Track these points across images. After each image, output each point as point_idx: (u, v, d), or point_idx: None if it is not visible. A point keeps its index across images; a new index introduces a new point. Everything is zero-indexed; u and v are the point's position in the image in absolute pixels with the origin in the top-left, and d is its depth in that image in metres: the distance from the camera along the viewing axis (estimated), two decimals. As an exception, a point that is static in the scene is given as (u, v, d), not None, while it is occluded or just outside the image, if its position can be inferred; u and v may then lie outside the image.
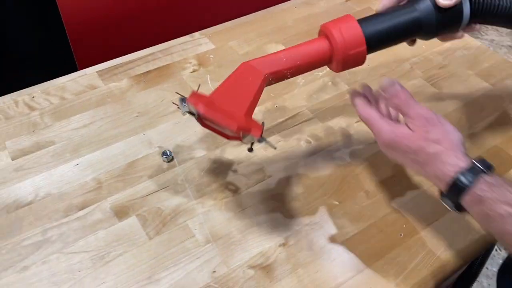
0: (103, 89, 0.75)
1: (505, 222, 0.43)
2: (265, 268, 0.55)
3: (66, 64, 0.88)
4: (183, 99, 0.53)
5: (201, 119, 0.54)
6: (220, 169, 0.65)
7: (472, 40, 0.88)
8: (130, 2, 0.91)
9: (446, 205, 0.50)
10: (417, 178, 0.64)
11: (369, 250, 0.57)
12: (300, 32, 0.88)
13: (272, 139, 0.69)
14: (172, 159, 0.65)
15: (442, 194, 0.49)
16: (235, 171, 0.64)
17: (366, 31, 0.52)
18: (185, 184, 0.62)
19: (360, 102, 0.55)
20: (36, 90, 0.74)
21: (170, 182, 0.62)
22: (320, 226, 0.59)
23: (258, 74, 0.51)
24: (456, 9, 0.53)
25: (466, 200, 0.46)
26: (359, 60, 0.53)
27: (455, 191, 0.47)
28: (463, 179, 0.46)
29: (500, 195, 0.44)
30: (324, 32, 0.53)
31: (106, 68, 0.79)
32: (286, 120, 0.72)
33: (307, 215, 0.60)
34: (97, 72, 0.78)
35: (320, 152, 0.68)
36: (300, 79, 0.79)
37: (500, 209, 0.43)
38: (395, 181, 0.64)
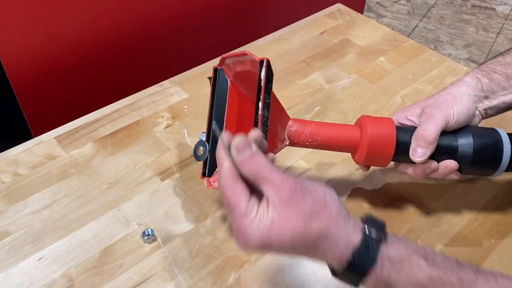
0: (65, 158, 0.64)
1: None
2: None
3: (17, 131, 0.77)
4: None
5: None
6: (214, 244, 0.55)
7: (457, 64, 0.84)
8: (85, 51, 0.82)
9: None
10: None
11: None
12: (279, 70, 0.81)
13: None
14: (155, 238, 0.55)
15: (334, 273, 0.40)
16: (233, 245, 0.55)
17: (400, 138, 0.53)
18: (174, 270, 0.52)
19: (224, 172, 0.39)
20: (-17, 167, 0.63)
21: (156, 268, 0.52)
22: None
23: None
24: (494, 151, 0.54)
25: (368, 282, 0.38)
26: (383, 160, 0.54)
27: (354, 273, 0.38)
28: (361, 259, 0.37)
29: (407, 273, 0.37)
30: (359, 122, 0.55)
31: (65, 133, 0.68)
32: (279, 175, 0.64)
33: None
34: (55, 138, 0.67)
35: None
36: (287, 124, 0.71)
37: None
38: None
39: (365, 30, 0.92)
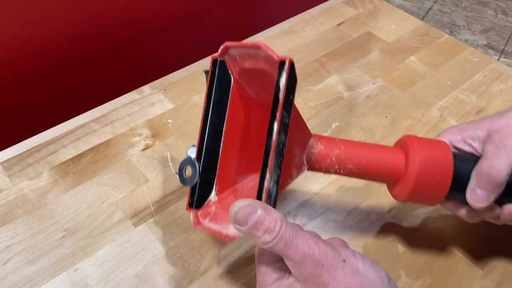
0: (10, 193, 0.50)
1: None
2: None
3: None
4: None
5: None
6: (200, 321, 0.41)
7: (505, 67, 0.68)
8: (40, 50, 0.65)
9: None
10: None
11: None
12: (287, 73, 0.65)
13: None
14: (123, 314, 0.41)
15: None
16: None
17: (458, 169, 0.40)
18: None
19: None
20: None
21: None
22: None
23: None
24: None
25: None
26: (433, 197, 0.41)
27: None
28: None
29: None
30: (403, 144, 0.41)
31: (14, 157, 0.53)
32: (286, 215, 0.49)
33: None
34: (1, 163, 0.53)
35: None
36: (297, 146, 0.56)
37: None
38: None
39: (391, 22, 0.76)
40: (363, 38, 0.72)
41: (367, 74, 0.66)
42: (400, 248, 0.47)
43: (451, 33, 2.10)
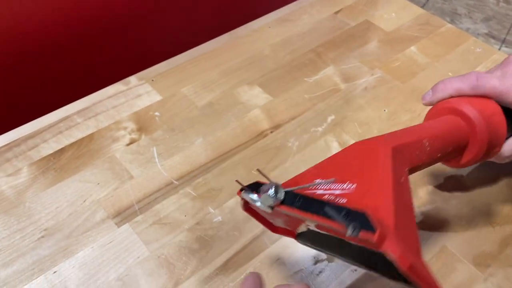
0: (-13, 190, 0.47)
1: None
2: None
3: None
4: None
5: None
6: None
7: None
8: (19, 36, 0.62)
9: None
10: None
11: None
12: (282, 65, 0.62)
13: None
14: (103, 321, 0.39)
15: None
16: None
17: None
18: None
19: None
20: None
21: None
22: None
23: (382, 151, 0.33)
24: None
25: None
26: (498, 145, 0.41)
27: None
28: None
29: None
30: (450, 109, 0.41)
31: (-8, 151, 0.51)
32: (280, 217, 0.47)
33: None
34: (-22, 158, 0.50)
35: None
36: (292, 140, 0.54)
37: None
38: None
39: (391, 10, 0.72)
40: (361, 27, 0.69)
41: (365, 65, 0.63)
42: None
43: (452, 21, 2.06)
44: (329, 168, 0.35)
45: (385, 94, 0.59)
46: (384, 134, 0.37)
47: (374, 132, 0.55)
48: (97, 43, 0.68)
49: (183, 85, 0.59)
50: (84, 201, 0.47)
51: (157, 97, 0.57)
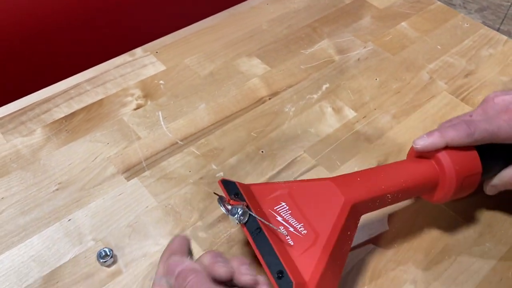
0: (5, 149, 0.51)
1: None
2: None
3: None
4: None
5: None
6: (191, 267, 0.43)
7: (495, 33, 0.69)
8: (33, 11, 0.65)
9: None
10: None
11: None
12: (279, 38, 0.66)
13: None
14: (115, 260, 0.42)
15: None
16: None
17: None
18: (138, 305, 0.40)
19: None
20: None
21: (115, 303, 0.40)
22: None
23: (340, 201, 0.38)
24: None
25: None
26: (471, 187, 0.43)
27: None
28: None
29: None
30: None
31: (7, 115, 0.54)
32: (278, 173, 0.50)
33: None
34: (-6, 121, 0.53)
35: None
36: (288, 106, 0.57)
37: None
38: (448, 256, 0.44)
39: (384, -11, 0.76)
40: (355, 4, 0.72)
41: (358, 38, 0.67)
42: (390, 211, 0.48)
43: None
44: (298, 192, 0.40)
45: (377, 65, 0.63)
46: (354, 178, 0.40)
47: (367, 99, 0.58)
48: (106, 18, 0.71)
49: (186, 56, 0.62)
50: (95, 159, 0.50)
51: (162, 67, 0.61)
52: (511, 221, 0.47)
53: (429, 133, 0.41)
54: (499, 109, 0.43)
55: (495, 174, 0.44)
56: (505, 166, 0.43)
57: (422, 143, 0.41)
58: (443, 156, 0.41)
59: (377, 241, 0.45)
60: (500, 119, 0.41)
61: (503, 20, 2.22)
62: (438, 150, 0.41)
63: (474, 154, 0.41)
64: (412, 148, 0.43)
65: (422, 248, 0.44)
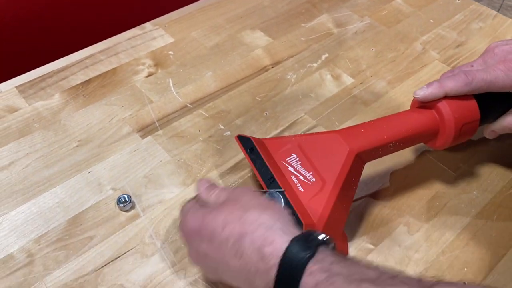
0: (27, 111, 0.54)
1: None
2: None
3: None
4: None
5: None
6: (202, 212, 0.46)
7: (484, 8, 0.73)
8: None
9: None
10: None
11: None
12: (281, 13, 0.70)
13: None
14: (133, 206, 0.46)
15: None
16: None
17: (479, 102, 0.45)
18: (156, 243, 0.44)
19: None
20: None
21: (135, 241, 0.44)
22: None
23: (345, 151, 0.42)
24: None
25: (306, 283, 0.30)
26: (470, 133, 0.46)
27: (288, 273, 0.31)
28: (297, 251, 0.31)
29: (353, 271, 0.30)
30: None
31: (29, 81, 0.58)
32: (281, 132, 0.54)
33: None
34: (16, 87, 0.57)
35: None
36: (290, 74, 0.61)
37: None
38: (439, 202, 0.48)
39: (379, -31, 0.80)
40: (353, -17, 0.76)
41: (355, 13, 0.70)
42: (384, 170, 0.52)
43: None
44: (307, 144, 0.43)
45: (373, 37, 0.67)
46: (358, 129, 0.44)
47: (363, 67, 0.62)
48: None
49: (193, 30, 0.66)
50: (111, 119, 0.54)
51: (170, 40, 0.65)
52: (497, 172, 0.51)
53: (429, 84, 0.44)
54: (498, 59, 0.45)
55: (494, 120, 0.47)
56: (503, 112, 0.46)
57: (422, 93, 0.44)
58: (443, 105, 0.44)
59: (374, 192, 0.49)
60: (497, 69, 0.43)
61: (498, 10, 2.25)
62: (438, 100, 0.44)
63: (473, 102, 0.44)
64: (414, 99, 0.46)
65: (415, 195, 0.48)
